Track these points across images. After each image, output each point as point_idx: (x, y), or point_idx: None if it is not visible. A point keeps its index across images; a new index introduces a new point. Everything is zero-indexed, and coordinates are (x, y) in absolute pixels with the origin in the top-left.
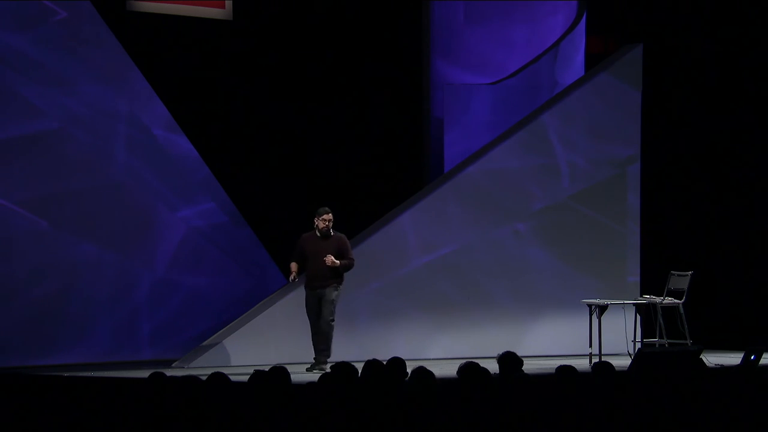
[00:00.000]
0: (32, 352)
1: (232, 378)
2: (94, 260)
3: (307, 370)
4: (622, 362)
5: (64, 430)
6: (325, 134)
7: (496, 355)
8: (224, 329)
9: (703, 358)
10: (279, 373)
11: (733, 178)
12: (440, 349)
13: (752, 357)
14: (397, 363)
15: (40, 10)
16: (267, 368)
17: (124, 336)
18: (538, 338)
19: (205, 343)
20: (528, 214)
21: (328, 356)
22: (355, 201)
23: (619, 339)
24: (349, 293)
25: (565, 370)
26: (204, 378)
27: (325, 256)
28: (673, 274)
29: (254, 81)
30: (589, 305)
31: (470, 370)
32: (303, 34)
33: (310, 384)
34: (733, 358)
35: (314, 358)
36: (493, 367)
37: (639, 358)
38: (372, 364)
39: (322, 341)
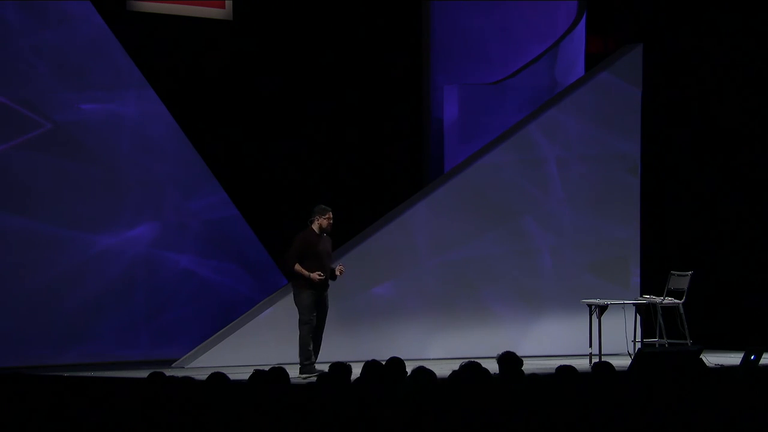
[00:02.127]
0: (32, 352)
1: (232, 378)
2: (93, 261)
3: (305, 377)
4: (622, 362)
5: (64, 430)
6: (325, 134)
7: (496, 355)
8: (224, 329)
9: (703, 358)
10: (279, 373)
11: (734, 178)
12: (440, 349)
13: (752, 357)
14: (396, 363)
15: (40, 11)
16: (267, 368)
17: (124, 336)
18: (538, 338)
19: (205, 343)
20: (528, 214)
21: None
22: (355, 201)
23: (619, 339)
24: (349, 293)
25: (565, 370)
26: (204, 378)
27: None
28: (673, 274)
29: (254, 81)
30: (589, 305)
31: (471, 369)
32: (303, 34)
33: (310, 384)
34: (733, 358)
35: (312, 364)
36: (493, 367)
37: (639, 358)
38: (371, 365)
39: (319, 345)
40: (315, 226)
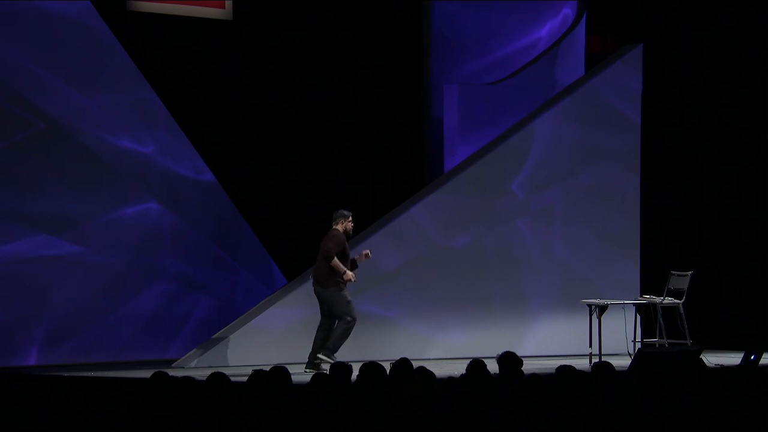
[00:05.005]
0: (29, 353)
1: (232, 378)
2: (94, 260)
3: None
4: (622, 362)
5: (65, 430)
6: (324, 134)
7: (496, 355)
8: (224, 329)
9: (703, 358)
10: (279, 373)
11: (733, 178)
12: (440, 349)
13: (752, 357)
14: (404, 364)
15: (40, 11)
16: (267, 368)
17: (124, 336)
18: (538, 338)
19: (205, 343)
20: (528, 214)
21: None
22: (355, 201)
23: (619, 339)
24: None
25: (565, 370)
26: (204, 378)
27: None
28: (673, 274)
29: (254, 81)
30: (589, 305)
31: (478, 367)
32: (303, 34)
33: (309, 384)
34: (733, 358)
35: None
36: (493, 367)
37: (639, 358)
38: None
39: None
40: (340, 228)
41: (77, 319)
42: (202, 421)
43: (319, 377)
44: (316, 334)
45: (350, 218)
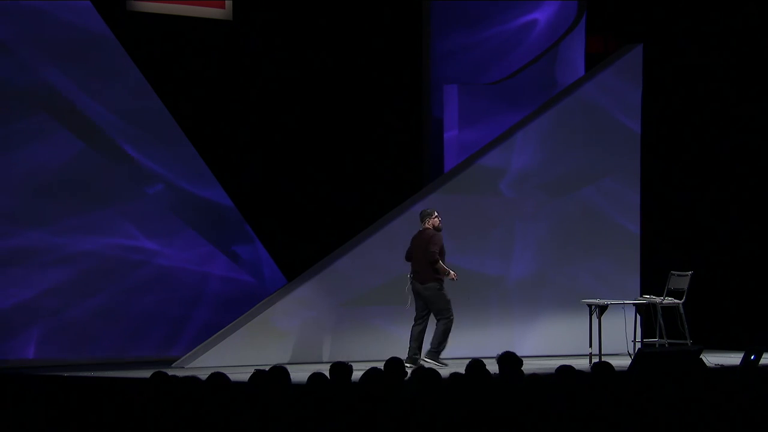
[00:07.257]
0: (30, 351)
1: (232, 378)
2: (93, 259)
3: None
4: (622, 362)
5: (65, 430)
6: (324, 134)
7: (496, 355)
8: (224, 329)
9: (703, 358)
10: (279, 373)
11: (733, 178)
12: None
13: (752, 357)
14: (396, 363)
15: (40, 11)
16: (267, 368)
17: (123, 336)
18: (538, 338)
19: (205, 343)
20: (528, 214)
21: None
22: (355, 200)
23: (619, 339)
24: (349, 293)
25: (565, 370)
26: (204, 378)
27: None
28: (673, 274)
29: (254, 81)
30: (589, 305)
31: (477, 367)
32: (303, 34)
33: (309, 384)
34: (733, 358)
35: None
36: (492, 367)
37: (639, 358)
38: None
39: None
40: (429, 225)
41: (76, 319)
42: (202, 421)
43: (318, 377)
44: (413, 329)
45: (435, 214)
